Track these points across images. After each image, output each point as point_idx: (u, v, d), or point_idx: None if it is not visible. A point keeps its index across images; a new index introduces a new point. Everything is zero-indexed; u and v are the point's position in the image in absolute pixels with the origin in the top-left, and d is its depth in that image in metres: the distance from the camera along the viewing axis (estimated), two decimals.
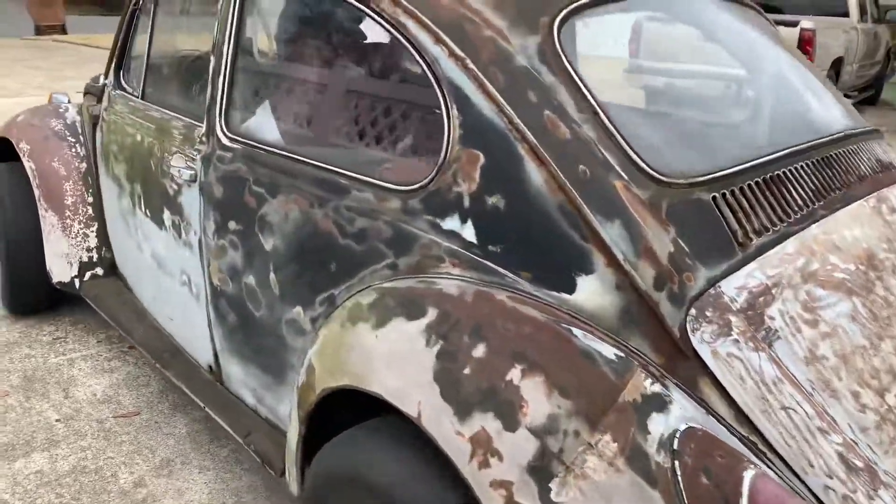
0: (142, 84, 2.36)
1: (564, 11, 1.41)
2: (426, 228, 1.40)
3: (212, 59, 1.88)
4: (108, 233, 2.76)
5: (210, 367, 2.11)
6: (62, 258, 2.82)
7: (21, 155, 2.90)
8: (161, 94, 2.32)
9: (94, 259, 2.82)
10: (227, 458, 2.28)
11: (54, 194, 2.83)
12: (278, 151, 1.70)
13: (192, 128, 1.99)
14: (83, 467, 2.22)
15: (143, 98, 2.36)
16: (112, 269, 2.82)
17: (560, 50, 1.36)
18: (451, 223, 1.37)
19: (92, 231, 2.82)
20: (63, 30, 13.94)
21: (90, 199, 2.84)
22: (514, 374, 1.17)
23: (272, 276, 1.71)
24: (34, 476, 2.18)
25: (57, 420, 2.45)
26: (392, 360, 1.29)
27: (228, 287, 1.87)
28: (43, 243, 2.86)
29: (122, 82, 2.54)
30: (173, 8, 2.30)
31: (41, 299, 3.07)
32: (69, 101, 3.18)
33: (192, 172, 1.93)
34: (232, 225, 1.81)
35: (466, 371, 1.20)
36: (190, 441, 2.36)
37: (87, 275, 2.82)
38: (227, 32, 1.83)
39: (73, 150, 2.89)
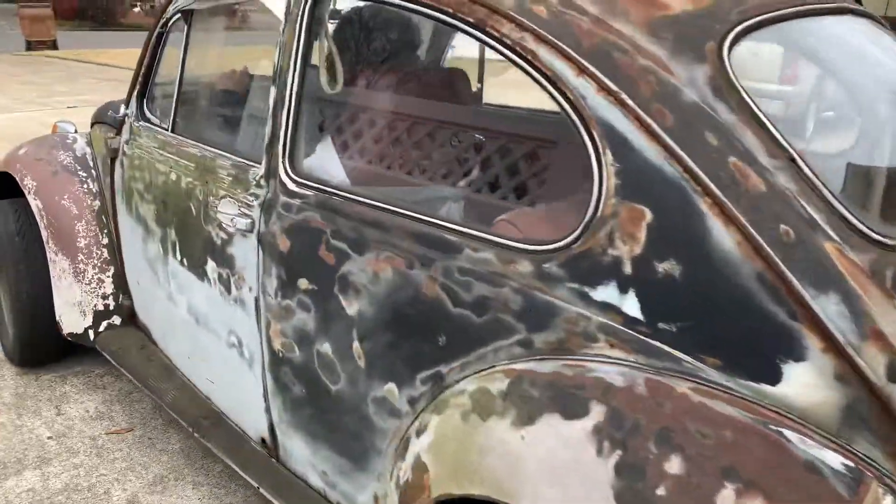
0: (172, 115, 2.09)
1: (732, 35, 1.17)
2: (570, 298, 1.15)
3: (272, 89, 1.62)
4: (128, 278, 2.48)
5: (263, 439, 1.83)
6: (74, 307, 2.53)
7: (26, 192, 2.61)
8: (197, 127, 2.05)
9: (111, 307, 2.54)
10: (220, 474, 2.25)
11: (65, 236, 2.55)
12: (363, 200, 1.44)
13: (244, 168, 1.73)
14: (76, 485, 2.19)
15: (172, 131, 2.09)
16: (131, 318, 2.54)
17: (736, 82, 1.12)
18: (606, 293, 1.12)
19: (108, 276, 2.54)
20: (54, 45, 13.76)
21: (105, 241, 2.56)
22: (727, 495, 0.93)
23: (356, 345, 1.45)
24: (26, 494, 2.14)
25: (49, 437, 2.41)
26: (552, 471, 1.03)
27: (294, 353, 1.61)
28: (52, 290, 2.56)
29: (147, 113, 2.27)
30: (212, 29, 2.04)
31: (51, 352, 2.77)
32: (76, 131, 2.90)
33: (249, 221, 1.67)
34: (302, 283, 1.55)
35: (661, 491, 0.95)
36: (183, 457, 2.34)
37: (103, 325, 2.53)
38: (293, 58, 1.57)
39: (85, 185, 2.61)
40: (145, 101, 2.29)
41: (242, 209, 1.70)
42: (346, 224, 1.45)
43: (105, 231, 2.56)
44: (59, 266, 2.53)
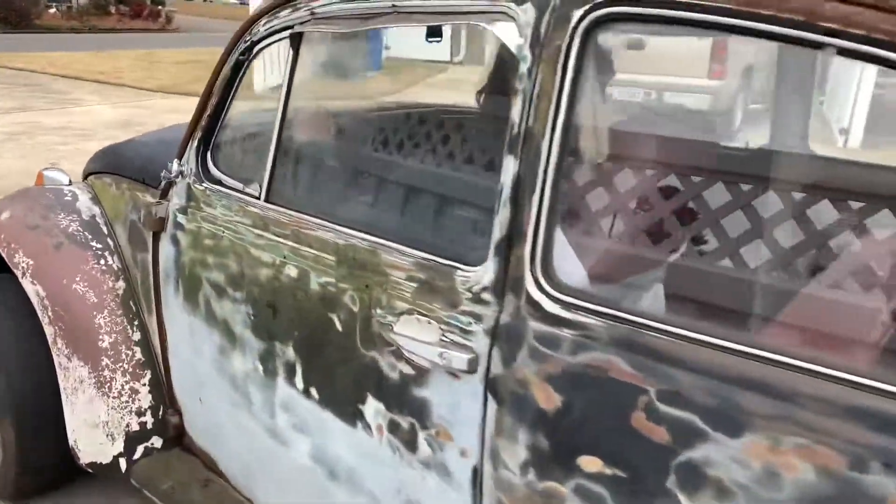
0: (266, 178, 1.48)
1: None
2: None
3: (510, 160, 1.06)
4: (177, 388, 1.85)
5: None
6: (97, 429, 1.87)
7: (19, 274, 1.93)
8: (316, 197, 1.46)
9: (149, 426, 1.89)
10: None
11: (80, 333, 1.88)
12: (724, 344, 0.90)
13: (443, 272, 1.15)
14: None
15: (267, 200, 1.48)
16: (178, 439, 1.89)
17: None
18: None
19: (143, 384, 1.89)
20: None
21: (136, 336, 1.90)
22: None
23: None
24: None
25: None
26: None
27: None
28: (59, 405, 1.89)
29: (213, 171, 1.65)
30: (337, 59, 1.44)
31: (57, 483, 2.08)
32: (71, 182, 2.22)
33: (469, 357, 1.10)
34: (589, 464, 1.00)
35: None
36: None
37: (139, 450, 1.88)
38: (552, 115, 1.02)
39: (102, 262, 1.95)
40: (209, 154, 1.66)
41: (450, 335, 1.13)
42: (693, 382, 0.91)
43: (136, 323, 1.91)
44: (73, 375, 1.86)
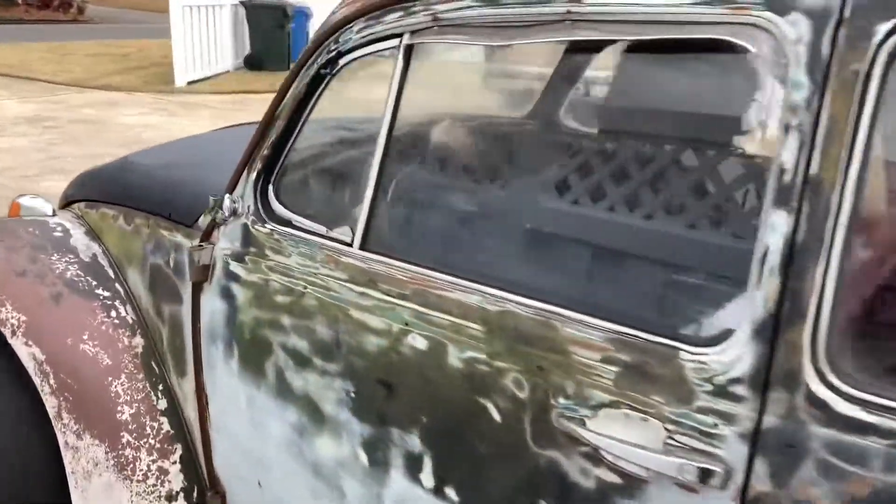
0: (364, 220, 1.18)
1: None
2: None
3: (779, 217, 0.81)
4: (218, 463, 1.52)
5: None
6: None
7: (8, 335, 1.56)
8: (458, 251, 1.17)
9: None
10: None
11: (93, 404, 1.53)
12: None
13: (661, 355, 0.90)
14: None
15: (365, 248, 1.19)
16: None
17: None
18: None
19: (172, 462, 1.56)
20: None
21: (162, 405, 1.57)
22: None
23: None
24: None
25: None
26: None
27: None
28: (62, 493, 1.55)
29: (279, 209, 1.33)
30: (462, 75, 1.15)
31: None
32: (54, 213, 1.84)
33: (719, 470, 0.85)
34: None
35: None
36: None
37: None
38: (843, 159, 0.78)
39: (114, 313, 1.60)
40: (271, 187, 1.34)
41: (682, 439, 0.88)
42: None
43: (160, 388, 1.57)
44: (85, 456, 1.52)
